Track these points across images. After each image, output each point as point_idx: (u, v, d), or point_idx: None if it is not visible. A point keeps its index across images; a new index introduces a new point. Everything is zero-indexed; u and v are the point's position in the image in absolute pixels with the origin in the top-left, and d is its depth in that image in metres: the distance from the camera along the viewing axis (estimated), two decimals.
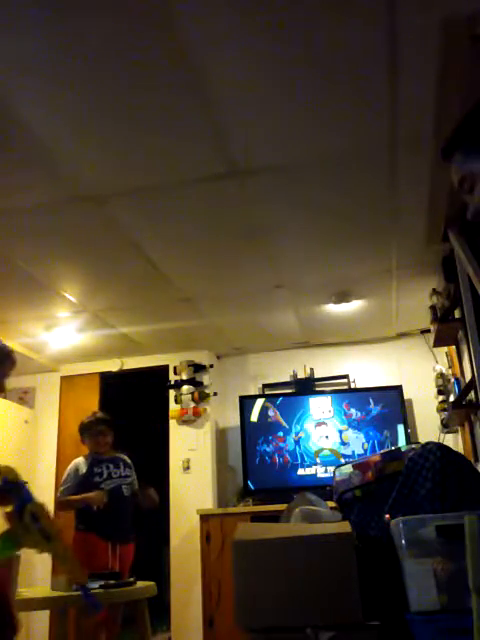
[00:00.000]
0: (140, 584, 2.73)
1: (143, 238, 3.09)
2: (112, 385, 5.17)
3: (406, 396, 4.57)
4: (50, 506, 4.62)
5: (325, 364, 4.95)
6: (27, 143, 2.30)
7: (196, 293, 3.85)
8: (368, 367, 4.89)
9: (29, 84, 2.02)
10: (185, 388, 4.78)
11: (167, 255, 3.30)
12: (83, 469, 3.52)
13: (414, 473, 2.00)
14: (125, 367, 5.08)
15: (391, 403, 4.55)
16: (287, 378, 4.94)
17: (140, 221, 2.93)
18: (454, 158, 1.29)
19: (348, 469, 2.19)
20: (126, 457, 3.72)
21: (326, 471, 4.37)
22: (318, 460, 4.51)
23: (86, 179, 2.55)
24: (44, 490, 4.77)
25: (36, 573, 4.38)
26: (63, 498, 3.48)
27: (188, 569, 4.35)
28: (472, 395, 3.35)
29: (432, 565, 1.77)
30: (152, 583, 2.82)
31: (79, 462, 3.57)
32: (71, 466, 3.58)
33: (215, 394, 4.89)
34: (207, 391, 4.83)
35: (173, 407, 4.84)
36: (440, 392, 4.30)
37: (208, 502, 4.54)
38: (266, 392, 4.97)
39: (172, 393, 4.88)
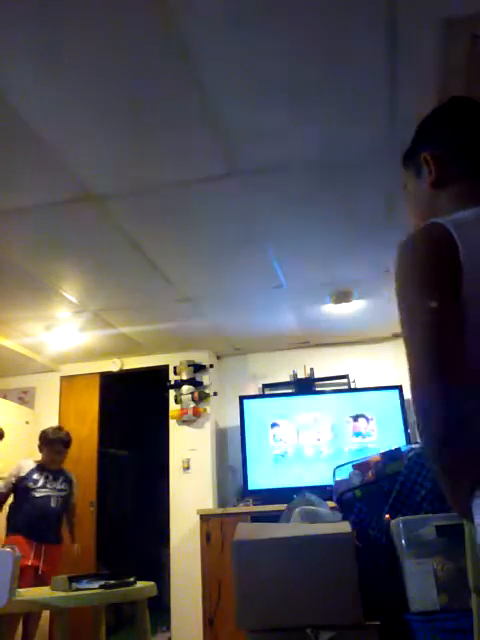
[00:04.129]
0: (140, 584, 2.73)
1: (143, 238, 3.09)
2: (112, 385, 5.18)
3: (406, 396, 4.57)
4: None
5: (325, 364, 4.95)
6: (29, 144, 2.30)
7: (196, 293, 3.85)
8: (368, 367, 4.89)
9: (29, 84, 2.02)
10: (185, 388, 4.78)
11: (167, 255, 3.30)
12: (22, 473, 3.70)
13: (414, 473, 2.00)
14: (125, 367, 5.08)
15: (391, 403, 4.55)
16: (287, 378, 4.94)
17: (140, 221, 2.93)
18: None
19: (348, 469, 2.19)
20: (69, 473, 3.93)
21: (326, 471, 4.37)
22: (319, 460, 4.51)
23: (86, 179, 2.55)
24: None
25: None
26: None
27: (188, 569, 4.35)
28: None
29: (432, 565, 1.77)
30: (152, 583, 2.82)
31: (23, 464, 3.76)
32: (15, 466, 3.75)
33: (215, 394, 4.89)
34: (207, 391, 4.83)
35: (173, 407, 4.84)
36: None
37: (208, 502, 4.54)
38: (266, 392, 4.97)
39: (172, 393, 4.88)
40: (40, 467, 3.77)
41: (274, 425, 4.64)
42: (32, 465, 3.76)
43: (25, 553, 3.48)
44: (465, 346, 0.87)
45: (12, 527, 3.61)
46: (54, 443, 3.82)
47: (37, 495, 3.68)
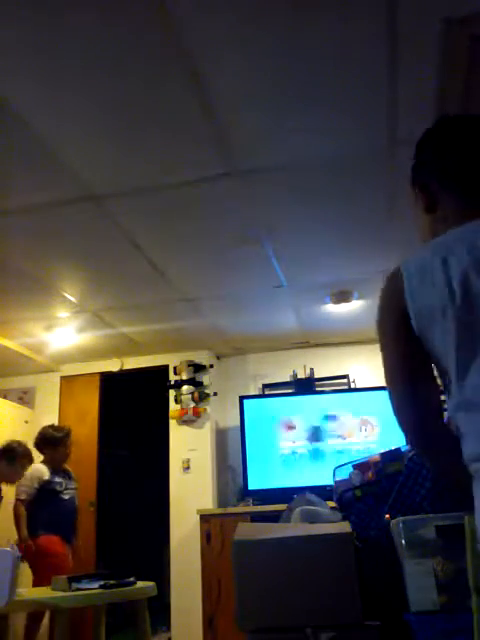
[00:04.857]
0: (140, 584, 2.73)
1: (143, 238, 3.09)
2: (112, 385, 5.18)
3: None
4: None
5: (325, 364, 4.94)
6: (28, 144, 2.30)
7: (196, 293, 3.85)
8: (368, 367, 4.88)
9: (30, 84, 2.02)
10: (185, 388, 4.78)
11: (167, 255, 3.30)
12: (46, 477, 3.69)
13: (414, 473, 2.00)
14: (125, 367, 5.08)
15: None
16: (287, 378, 4.94)
17: (140, 221, 2.93)
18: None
19: (348, 469, 2.19)
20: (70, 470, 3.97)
21: (326, 471, 4.37)
22: (319, 460, 4.51)
23: (86, 179, 2.55)
24: None
25: None
26: (22, 507, 3.62)
27: (188, 569, 4.35)
28: None
29: (432, 565, 1.77)
30: (152, 583, 2.82)
31: (42, 469, 3.73)
32: (33, 471, 3.71)
33: (215, 394, 4.89)
34: (207, 391, 4.83)
35: (173, 407, 4.84)
36: (440, 392, 4.29)
37: (208, 502, 4.54)
38: (266, 392, 4.97)
39: (172, 393, 4.88)
40: (55, 469, 3.76)
41: (274, 425, 4.64)
42: (48, 468, 3.74)
43: (65, 552, 3.59)
44: (424, 367, 1.07)
45: (44, 528, 3.58)
46: (63, 440, 3.81)
47: (66, 497, 3.71)
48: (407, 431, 1.07)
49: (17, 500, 3.63)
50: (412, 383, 1.09)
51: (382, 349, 1.13)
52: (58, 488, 3.69)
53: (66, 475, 3.83)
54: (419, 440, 1.07)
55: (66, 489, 3.74)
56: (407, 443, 1.11)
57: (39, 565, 3.46)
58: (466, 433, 0.96)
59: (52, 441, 3.81)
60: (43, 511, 3.63)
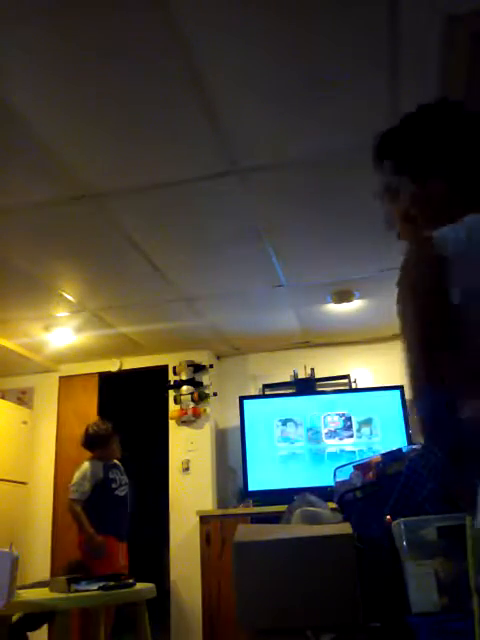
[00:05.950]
0: (139, 586, 2.71)
1: (142, 237, 3.08)
2: (111, 385, 5.16)
3: (407, 396, 4.55)
4: (47, 506, 4.66)
5: (326, 364, 4.93)
6: (27, 143, 2.29)
7: (196, 292, 3.84)
8: (369, 367, 4.88)
9: (30, 83, 2.01)
10: (185, 388, 4.77)
11: (166, 254, 3.29)
12: (100, 475, 3.61)
13: (415, 474, 1.99)
14: (124, 367, 5.06)
15: (392, 403, 4.53)
16: (287, 378, 4.92)
17: (139, 220, 2.92)
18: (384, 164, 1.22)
19: (349, 470, 2.18)
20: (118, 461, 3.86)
21: (327, 472, 4.36)
22: (319, 460, 4.49)
23: (86, 179, 2.54)
24: (41, 491, 4.77)
25: (35, 574, 4.36)
26: (77, 506, 3.54)
27: (188, 570, 4.34)
28: None
29: (433, 566, 1.76)
30: (151, 585, 2.80)
31: (96, 466, 3.65)
32: (86, 469, 3.63)
33: (215, 394, 4.87)
34: (207, 391, 4.82)
35: (172, 407, 4.83)
36: None
37: (208, 503, 4.53)
38: (266, 392, 4.95)
39: (171, 393, 4.86)
40: (107, 465, 3.69)
41: (274, 426, 4.63)
42: (101, 464, 3.66)
43: (116, 552, 3.53)
44: None
45: (98, 528, 3.51)
46: (114, 434, 3.75)
47: (121, 494, 3.65)
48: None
49: (71, 500, 3.57)
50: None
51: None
52: (113, 485, 3.63)
53: (118, 470, 3.75)
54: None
55: (120, 486, 3.67)
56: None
57: (90, 566, 3.40)
58: None
59: (100, 439, 3.72)
60: (98, 510, 3.55)
